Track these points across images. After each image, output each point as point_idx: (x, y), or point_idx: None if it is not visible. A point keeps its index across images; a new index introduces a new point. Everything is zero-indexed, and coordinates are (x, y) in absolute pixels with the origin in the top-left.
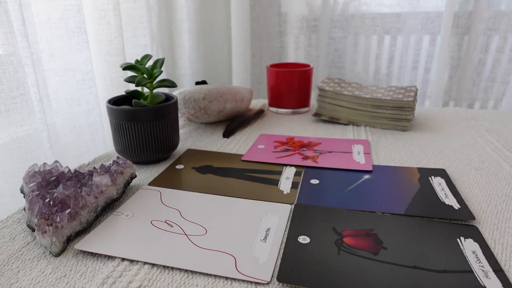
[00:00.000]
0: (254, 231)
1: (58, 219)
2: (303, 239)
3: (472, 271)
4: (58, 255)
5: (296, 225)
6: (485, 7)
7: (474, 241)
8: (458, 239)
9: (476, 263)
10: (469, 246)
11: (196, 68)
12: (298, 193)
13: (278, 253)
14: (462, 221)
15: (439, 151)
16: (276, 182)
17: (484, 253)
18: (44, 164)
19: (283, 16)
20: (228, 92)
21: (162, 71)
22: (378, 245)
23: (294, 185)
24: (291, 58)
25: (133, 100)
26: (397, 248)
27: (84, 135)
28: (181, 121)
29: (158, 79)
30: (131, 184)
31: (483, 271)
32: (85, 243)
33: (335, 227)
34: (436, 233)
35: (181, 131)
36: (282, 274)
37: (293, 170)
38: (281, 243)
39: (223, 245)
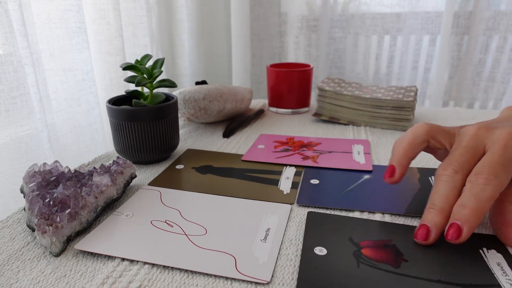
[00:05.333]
0: (254, 231)
1: (58, 219)
2: (320, 251)
3: (499, 285)
4: (58, 255)
5: (310, 235)
6: (485, 7)
7: (498, 251)
8: (480, 250)
9: (503, 276)
10: (493, 258)
11: (196, 68)
12: (298, 193)
13: (278, 253)
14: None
15: None
16: (276, 182)
17: (509, 265)
18: (44, 164)
19: (283, 16)
20: (228, 92)
21: (162, 71)
22: (398, 257)
23: (294, 185)
24: (291, 58)
25: (133, 100)
26: (418, 260)
27: (84, 135)
28: (181, 121)
29: (158, 79)
30: (131, 184)
31: (511, 284)
32: (85, 243)
33: (351, 237)
34: (456, 244)
35: (181, 131)
36: None
37: (293, 170)
38: (281, 243)
39: (223, 245)
